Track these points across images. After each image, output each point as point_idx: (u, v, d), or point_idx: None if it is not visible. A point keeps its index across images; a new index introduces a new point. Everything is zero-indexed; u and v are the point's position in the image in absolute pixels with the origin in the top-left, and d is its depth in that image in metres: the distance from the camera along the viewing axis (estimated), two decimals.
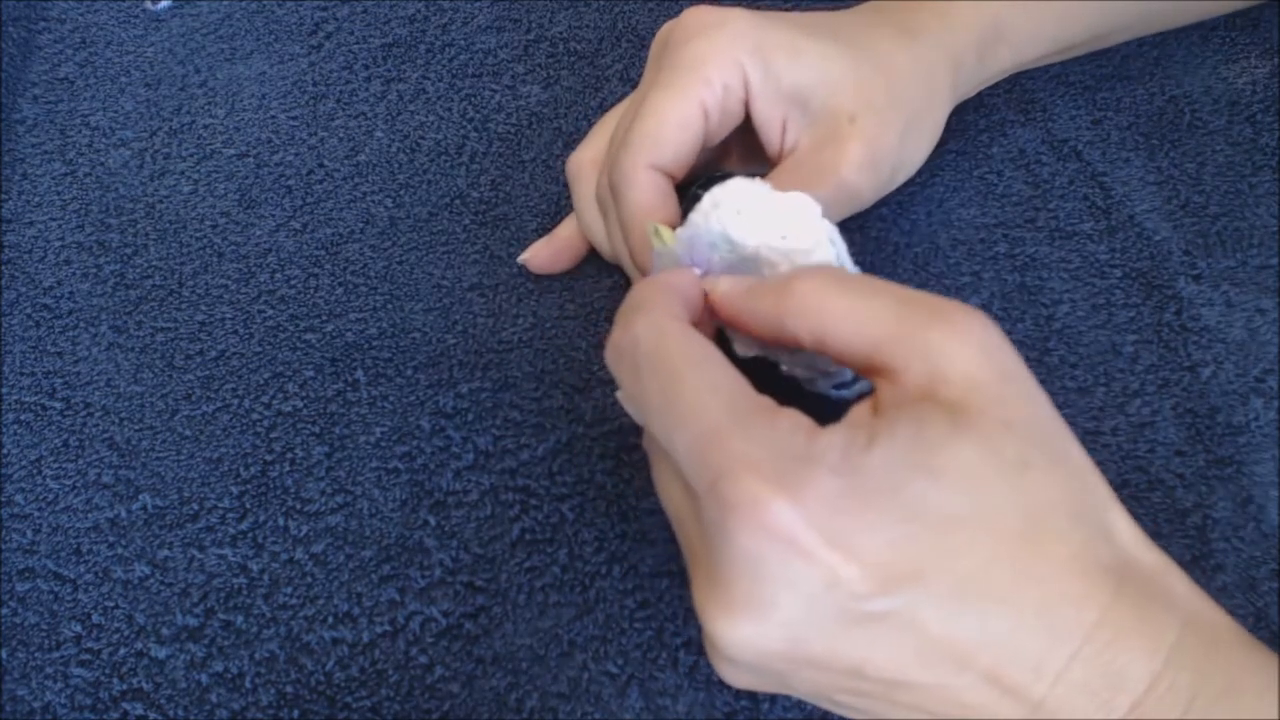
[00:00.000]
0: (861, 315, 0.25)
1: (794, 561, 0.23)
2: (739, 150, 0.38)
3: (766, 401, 0.25)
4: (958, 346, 0.24)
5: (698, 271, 0.30)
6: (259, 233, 0.42)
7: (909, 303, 0.25)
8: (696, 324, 0.29)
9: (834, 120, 0.34)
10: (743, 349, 0.31)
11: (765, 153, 0.36)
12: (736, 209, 0.29)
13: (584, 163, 0.38)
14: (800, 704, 0.31)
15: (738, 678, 0.26)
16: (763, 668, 0.25)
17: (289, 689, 0.33)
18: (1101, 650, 0.24)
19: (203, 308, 0.41)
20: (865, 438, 0.24)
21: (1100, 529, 0.25)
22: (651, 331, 0.26)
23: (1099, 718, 0.24)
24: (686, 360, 0.25)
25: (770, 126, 0.35)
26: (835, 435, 0.24)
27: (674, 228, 0.32)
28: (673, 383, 0.25)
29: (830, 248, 0.30)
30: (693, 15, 0.34)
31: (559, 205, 0.42)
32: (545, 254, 0.39)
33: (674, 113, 0.33)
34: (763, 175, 0.33)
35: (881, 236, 0.40)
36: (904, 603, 0.23)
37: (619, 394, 0.28)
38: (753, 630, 0.24)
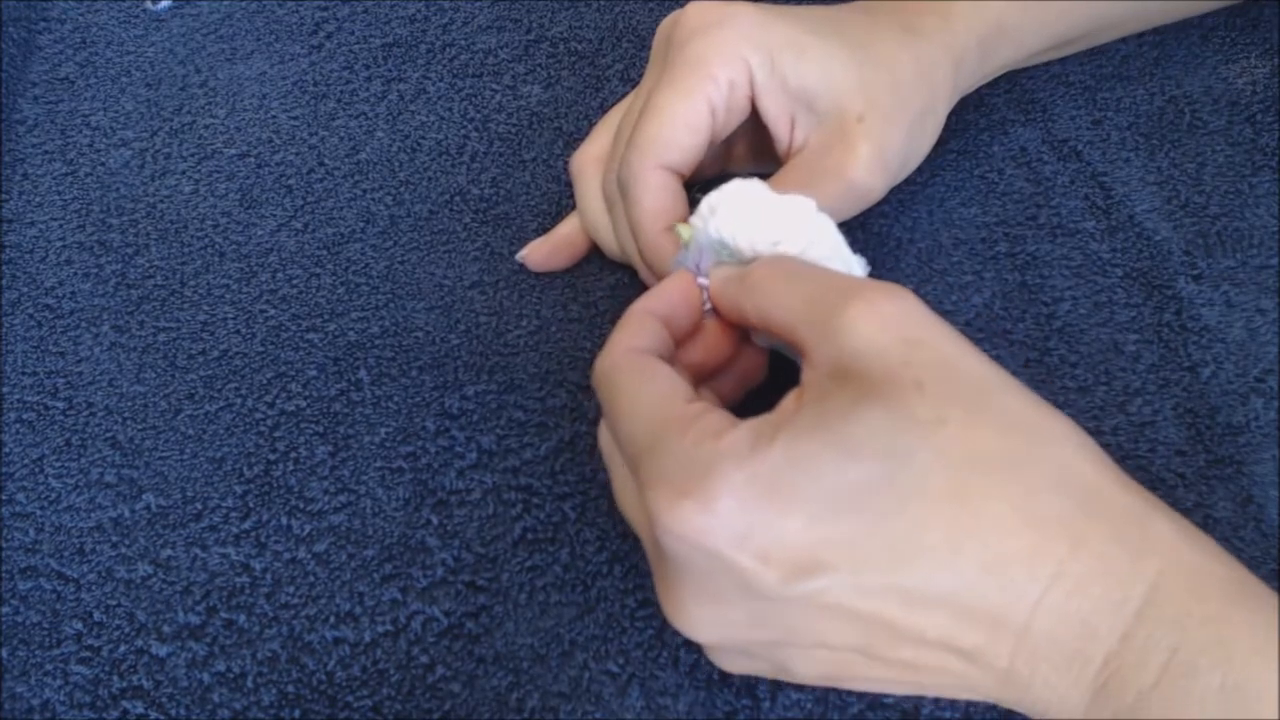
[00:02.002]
0: (786, 298, 0.27)
1: (714, 563, 0.24)
2: (747, 145, 0.38)
3: (691, 411, 0.26)
4: (861, 323, 0.25)
5: (701, 277, 0.31)
6: (260, 232, 0.42)
7: (827, 288, 0.26)
8: (691, 328, 0.31)
9: (842, 120, 0.34)
10: (762, 340, 0.32)
11: (774, 148, 0.36)
12: (732, 214, 0.30)
13: (587, 161, 0.38)
14: (800, 704, 0.31)
15: (732, 664, 0.27)
16: (744, 653, 0.26)
17: (290, 688, 0.33)
18: (1065, 601, 0.23)
19: (205, 307, 0.41)
20: (772, 428, 0.24)
21: (1050, 478, 0.24)
22: (606, 363, 0.28)
23: (1073, 673, 0.24)
24: (626, 386, 0.27)
25: (779, 123, 0.35)
26: (743, 430, 0.25)
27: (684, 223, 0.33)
28: (614, 409, 0.27)
29: (827, 247, 0.30)
30: (696, 11, 0.34)
31: (560, 204, 0.42)
32: (543, 251, 0.39)
33: (682, 113, 0.33)
34: (769, 174, 0.34)
35: (883, 234, 0.40)
36: (832, 583, 0.23)
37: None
38: (709, 623, 0.25)
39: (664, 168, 0.34)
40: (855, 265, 0.31)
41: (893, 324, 0.25)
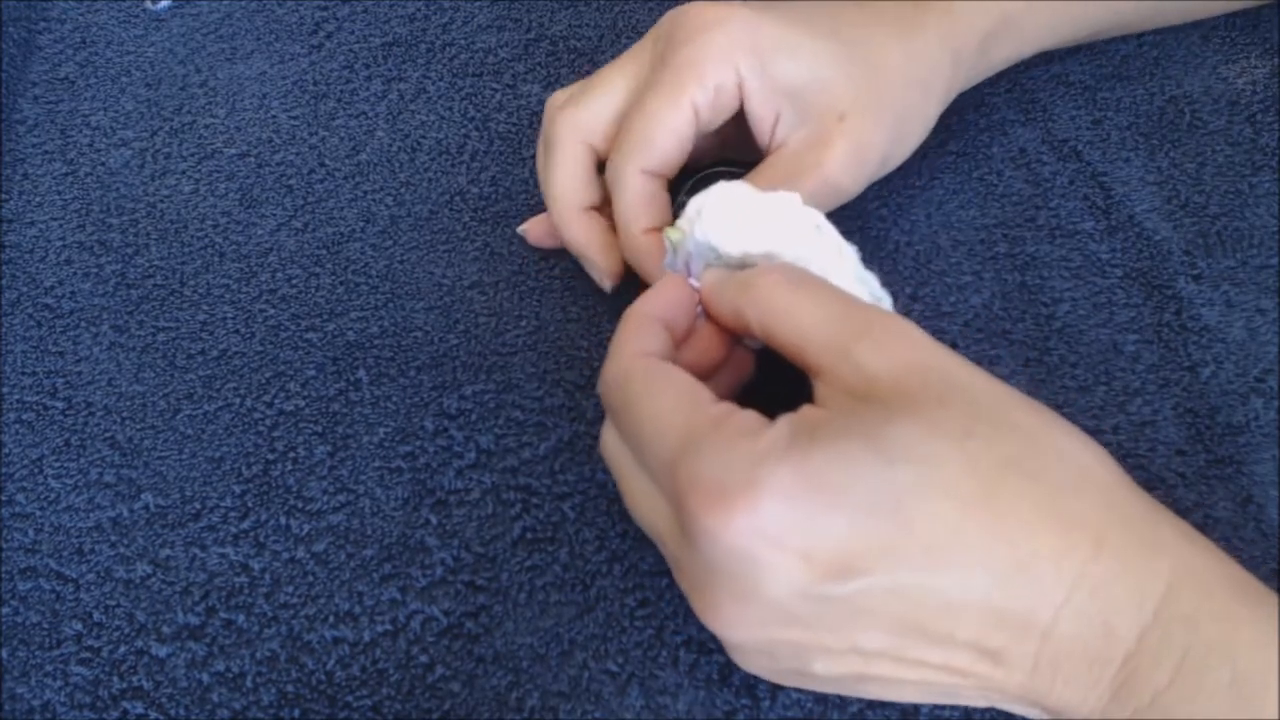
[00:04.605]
0: (800, 317, 0.27)
1: (756, 564, 0.24)
2: (732, 138, 0.38)
3: (719, 411, 0.26)
4: (881, 350, 0.26)
5: (692, 278, 0.32)
6: (260, 232, 0.42)
7: (843, 313, 0.27)
8: (688, 330, 0.31)
9: (823, 118, 0.35)
10: (754, 341, 0.32)
11: (756, 142, 0.36)
12: (718, 217, 0.30)
13: (564, 130, 0.37)
14: (800, 703, 0.31)
15: (751, 663, 0.27)
16: (769, 653, 0.26)
17: (290, 688, 0.33)
18: (1088, 602, 0.24)
19: (204, 307, 0.41)
20: (809, 428, 0.25)
21: (1070, 482, 0.25)
22: (616, 370, 0.28)
23: (1094, 674, 0.24)
24: (643, 393, 0.27)
25: (763, 121, 0.35)
26: (781, 428, 0.25)
27: (666, 224, 0.33)
28: (633, 412, 0.27)
29: (813, 244, 0.31)
30: (695, 12, 0.35)
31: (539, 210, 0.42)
32: (543, 227, 0.40)
33: (667, 117, 0.34)
34: (747, 169, 0.34)
35: (881, 236, 0.40)
36: (871, 583, 0.24)
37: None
38: (742, 624, 0.25)
39: (647, 171, 0.35)
40: (849, 253, 0.31)
41: (904, 355, 0.26)
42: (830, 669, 0.26)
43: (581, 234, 0.37)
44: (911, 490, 0.24)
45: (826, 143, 0.34)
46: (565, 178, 0.37)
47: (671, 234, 0.32)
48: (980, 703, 0.27)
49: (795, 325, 0.27)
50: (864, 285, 0.31)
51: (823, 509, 0.23)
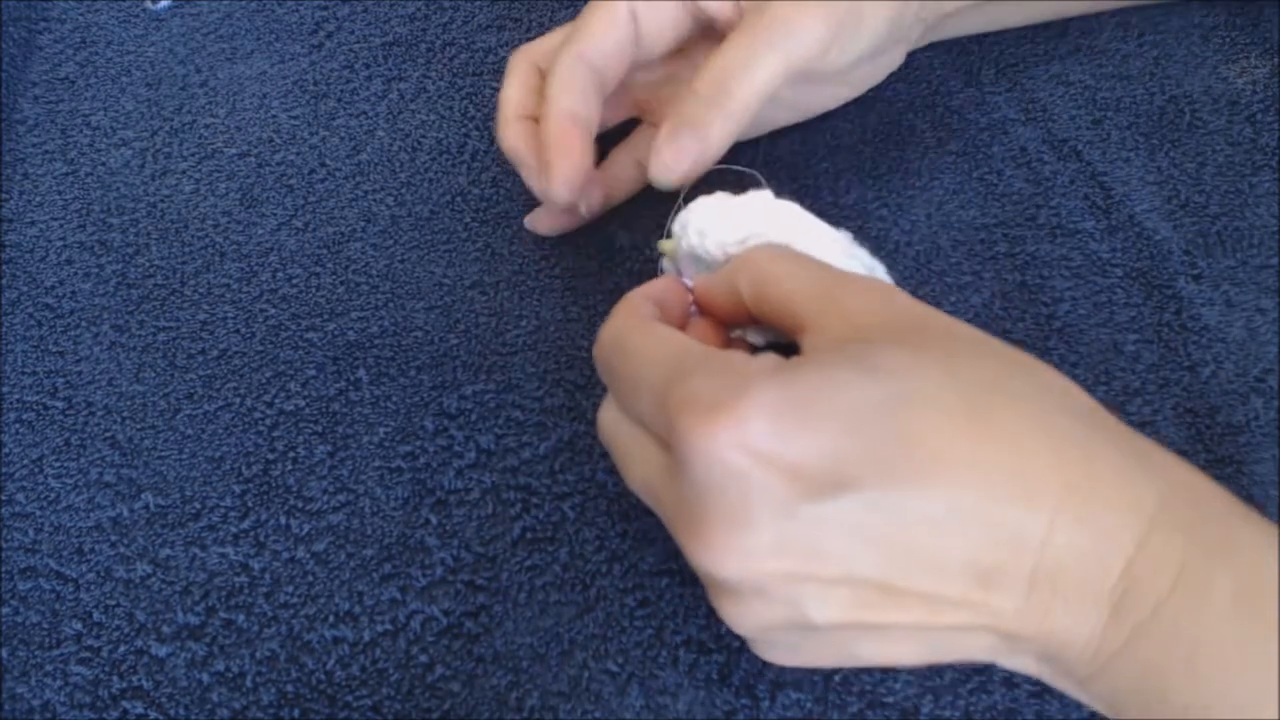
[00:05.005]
0: (788, 280, 0.28)
1: (743, 482, 0.24)
2: None
3: (711, 349, 0.27)
4: (864, 297, 0.27)
5: (687, 282, 0.33)
6: (261, 232, 0.42)
7: (829, 272, 0.29)
8: (681, 323, 0.32)
9: None
10: (753, 335, 0.33)
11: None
12: (699, 230, 0.32)
13: (518, 56, 0.39)
14: (800, 703, 0.31)
15: (747, 614, 0.26)
16: (762, 594, 0.25)
17: (290, 688, 0.33)
18: (1083, 508, 0.23)
19: (204, 307, 0.41)
20: (796, 359, 0.26)
21: (1056, 402, 0.25)
22: (612, 330, 0.29)
23: (1093, 587, 0.24)
24: (637, 340, 0.28)
25: (724, 14, 0.35)
26: (770, 356, 0.26)
27: (591, 121, 0.36)
28: (627, 360, 0.28)
29: (794, 229, 0.32)
30: None
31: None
32: (548, 216, 0.40)
33: (602, 11, 0.36)
34: (740, 174, 0.35)
35: (882, 236, 0.40)
36: (861, 500, 0.24)
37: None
38: (732, 554, 0.25)
39: (579, 57, 0.36)
40: (836, 235, 0.32)
41: (885, 301, 0.27)
42: (826, 613, 0.25)
43: (515, 137, 0.37)
44: (898, 404, 0.24)
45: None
46: (509, 91, 0.38)
47: (664, 246, 0.34)
48: (981, 655, 0.26)
49: (783, 284, 0.28)
50: (856, 260, 0.32)
51: (809, 423, 0.24)
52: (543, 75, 0.38)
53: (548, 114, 0.36)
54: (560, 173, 0.35)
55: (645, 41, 0.37)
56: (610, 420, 0.29)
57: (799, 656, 0.28)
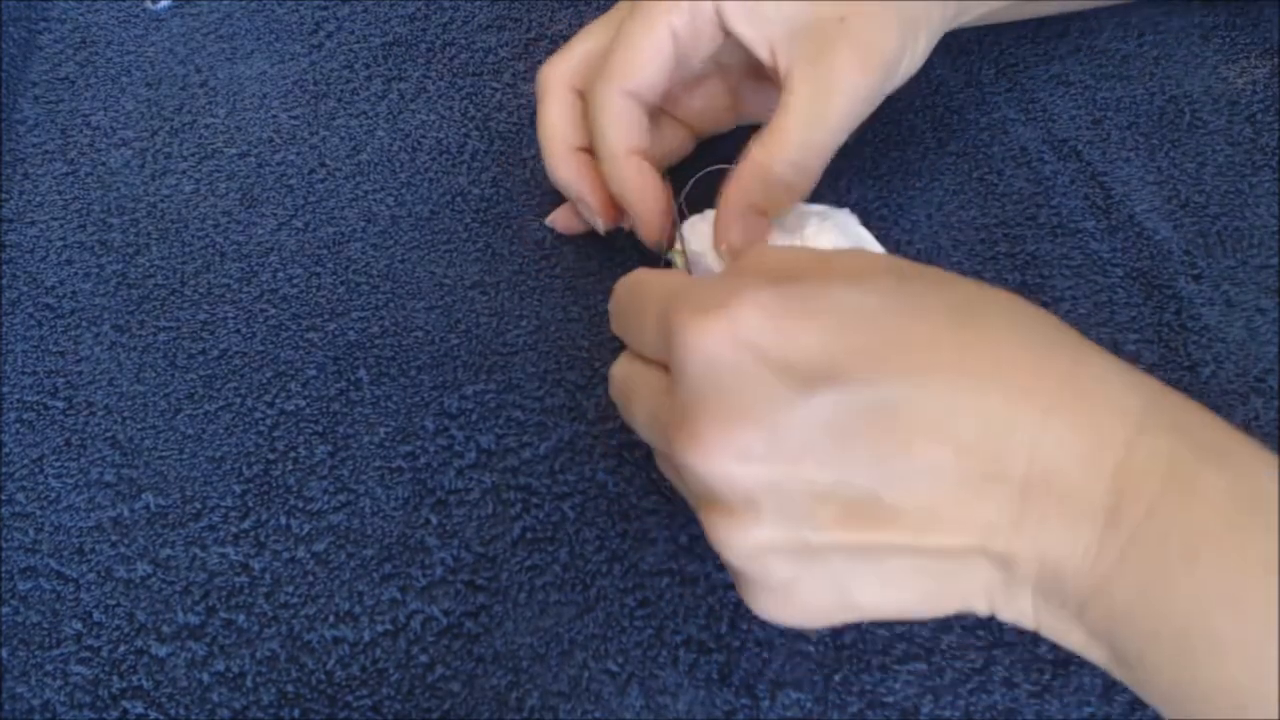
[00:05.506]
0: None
1: (736, 377, 0.24)
2: (749, 98, 0.39)
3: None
4: (869, 259, 0.28)
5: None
6: (261, 232, 0.42)
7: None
8: None
9: (822, 25, 0.33)
10: None
11: (771, 83, 0.36)
12: (700, 234, 0.34)
13: (554, 77, 0.38)
14: (800, 703, 0.31)
15: (744, 536, 0.25)
16: (754, 508, 0.25)
17: (290, 688, 0.33)
18: (1074, 404, 0.24)
19: (205, 307, 0.41)
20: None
21: (1039, 320, 0.26)
22: (626, 280, 0.30)
23: (1087, 492, 0.23)
24: (646, 275, 0.29)
25: (757, 46, 0.34)
26: (765, 273, 0.27)
27: (645, 151, 0.36)
28: (634, 292, 0.29)
29: (789, 224, 0.33)
30: None
31: (561, 202, 0.42)
32: (569, 215, 0.41)
33: (643, 39, 0.35)
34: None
35: (881, 236, 0.40)
36: (853, 394, 0.24)
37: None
38: (725, 453, 0.25)
39: (627, 93, 0.35)
40: (837, 216, 0.34)
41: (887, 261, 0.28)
42: (816, 526, 0.25)
43: (572, 172, 0.37)
44: (888, 309, 0.24)
45: (829, 49, 0.33)
46: (553, 119, 0.37)
47: (674, 256, 0.35)
48: (979, 600, 0.25)
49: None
50: (859, 243, 0.33)
51: (802, 319, 0.24)
52: (580, 96, 0.37)
53: (614, 156, 0.35)
54: (652, 222, 0.36)
55: (684, 60, 0.36)
56: (620, 368, 0.30)
57: (793, 601, 0.26)
